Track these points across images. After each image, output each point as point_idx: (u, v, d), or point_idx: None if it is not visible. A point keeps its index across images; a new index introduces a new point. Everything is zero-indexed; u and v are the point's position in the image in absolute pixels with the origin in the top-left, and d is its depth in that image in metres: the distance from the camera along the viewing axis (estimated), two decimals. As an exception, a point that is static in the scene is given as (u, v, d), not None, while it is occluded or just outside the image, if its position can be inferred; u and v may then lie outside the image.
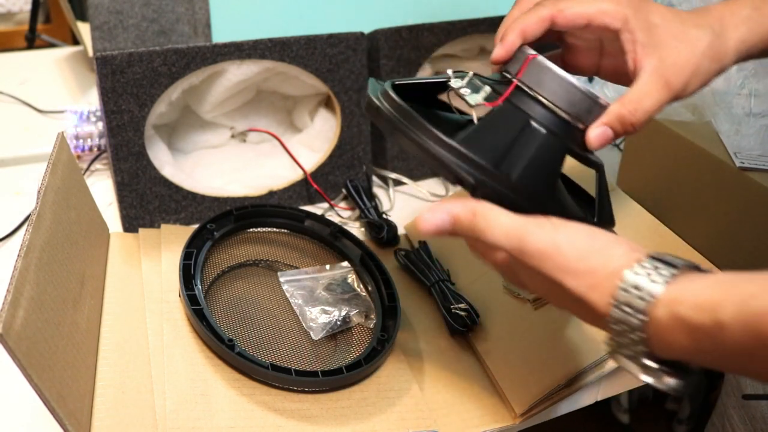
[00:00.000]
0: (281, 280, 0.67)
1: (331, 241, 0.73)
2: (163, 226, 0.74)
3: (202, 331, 0.57)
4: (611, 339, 0.41)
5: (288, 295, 0.66)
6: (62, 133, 0.61)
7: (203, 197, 0.78)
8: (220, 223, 0.69)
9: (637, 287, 0.38)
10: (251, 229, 0.72)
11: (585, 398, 0.62)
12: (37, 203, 0.52)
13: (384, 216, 0.80)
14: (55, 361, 0.47)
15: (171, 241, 0.70)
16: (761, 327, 0.33)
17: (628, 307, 0.38)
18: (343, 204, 0.84)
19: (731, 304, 0.35)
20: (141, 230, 0.73)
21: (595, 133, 0.49)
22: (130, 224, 0.74)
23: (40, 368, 0.44)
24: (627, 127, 0.49)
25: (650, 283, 0.38)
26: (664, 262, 0.39)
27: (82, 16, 1.09)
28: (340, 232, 0.73)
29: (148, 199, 0.75)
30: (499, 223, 0.43)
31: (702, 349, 0.36)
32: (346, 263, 0.71)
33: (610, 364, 0.58)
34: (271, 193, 0.82)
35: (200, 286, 0.61)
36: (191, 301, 0.59)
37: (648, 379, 0.40)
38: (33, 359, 0.43)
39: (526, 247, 0.42)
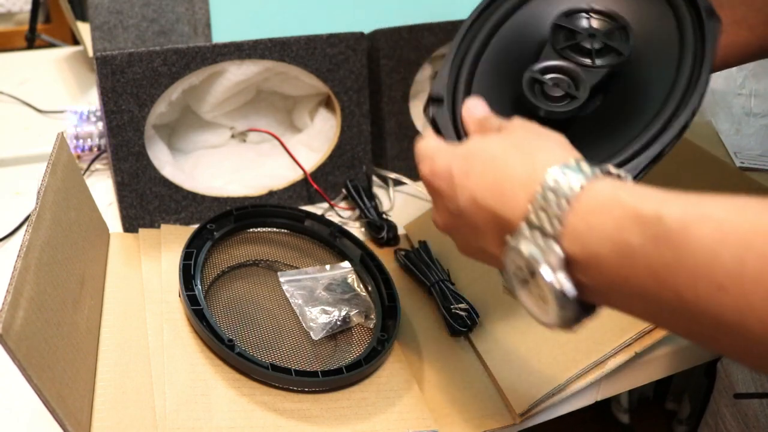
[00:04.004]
0: (281, 280, 0.67)
1: (331, 241, 0.73)
2: (163, 226, 0.74)
3: (202, 331, 0.57)
4: (512, 237, 0.37)
5: (288, 295, 0.66)
6: (62, 133, 0.61)
7: (203, 197, 0.78)
8: (220, 223, 0.69)
9: (566, 175, 0.36)
10: (251, 229, 0.72)
11: (585, 398, 0.62)
12: (37, 204, 0.52)
13: (384, 216, 0.80)
14: (55, 362, 0.47)
15: (171, 241, 0.70)
16: (701, 231, 0.30)
17: (552, 192, 0.35)
18: (343, 204, 0.84)
19: (678, 205, 0.32)
20: (141, 230, 0.73)
21: None
22: (130, 224, 0.74)
23: (40, 368, 0.44)
24: None
25: (582, 176, 0.36)
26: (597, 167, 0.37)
27: (82, 16, 1.09)
28: (340, 232, 0.73)
29: (148, 199, 0.75)
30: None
31: (627, 247, 0.32)
32: (346, 263, 0.71)
33: (610, 364, 0.58)
34: (271, 193, 0.82)
35: (200, 286, 0.61)
36: (191, 301, 0.59)
37: (546, 273, 0.35)
38: (33, 360, 0.43)
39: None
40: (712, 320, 0.31)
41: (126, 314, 0.61)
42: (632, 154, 0.46)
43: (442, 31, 0.86)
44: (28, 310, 0.44)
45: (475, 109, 0.48)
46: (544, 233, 0.35)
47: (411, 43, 0.84)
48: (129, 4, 0.94)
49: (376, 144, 0.87)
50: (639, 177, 0.46)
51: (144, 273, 0.65)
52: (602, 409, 1.50)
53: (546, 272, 0.35)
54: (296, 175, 0.83)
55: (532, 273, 0.36)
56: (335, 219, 0.81)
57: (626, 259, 0.33)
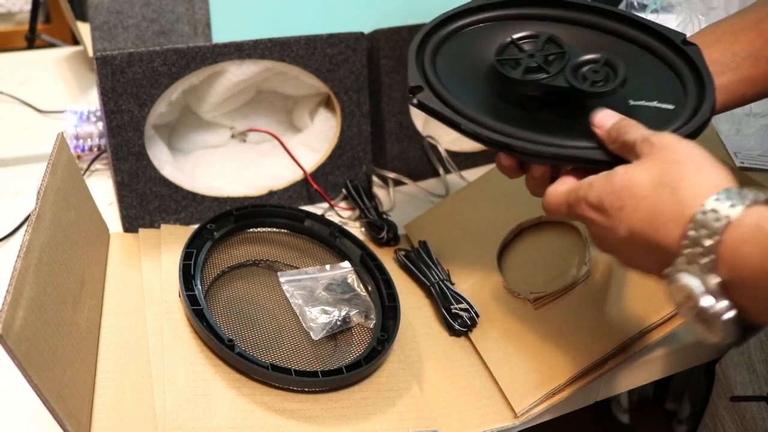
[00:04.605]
0: (281, 280, 0.67)
1: (331, 241, 0.73)
2: (163, 226, 0.74)
3: (202, 332, 0.57)
4: (677, 259, 0.41)
5: (288, 295, 0.66)
6: (62, 133, 0.61)
7: (203, 197, 0.78)
8: (220, 223, 0.69)
9: (714, 210, 0.39)
10: (251, 229, 0.72)
11: (585, 398, 0.62)
12: (37, 204, 0.52)
13: (384, 216, 0.80)
14: (55, 362, 0.47)
15: (171, 241, 0.70)
16: None
17: (703, 228, 0.39)
18: (343, 204, 0.84)
19: None
20: (141, 230, 0.73)
21: None
22: (130, 224, 0.74)
23: (40, 369, 0.44)
24: None
25: (730, 207, 0.39)
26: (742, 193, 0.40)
27: (82, 16, 1.09)
28: (340, 232, 0.73)
29: (148, 199, 0.75)
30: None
31: None
32: (346, 263, 0.71)
33: (610, 364, 0.58)
34: (271, 193, 0.82)
35: (200, 287, 0.61)
36: (191, 301, 0.59)
37: (707, 301, 0.39)
38: (33, 360, 0.43)
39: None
40: None
41: (126, 314, 0.61)
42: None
43: (442, 31, 0.86)
44: (28, 310, 0.44)
45: (607, 120, 0.50)
46: (700, 265, 0.39)
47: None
48: (129, 4, 0.94)
49: (376, 144, 0.87)
50: None
51: (144, 273, 0.65)
52: (602, 409, 1.50)
53: (706, 301, 0.39)
54: (296, 175, 0.83)
55: (695, 301, 0.39)
56: (335, 219, 0.81)
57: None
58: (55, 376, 0.46)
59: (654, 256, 0.43)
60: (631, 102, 0.53)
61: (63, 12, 1.22)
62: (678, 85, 0.53)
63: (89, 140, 0.89)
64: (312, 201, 0.84)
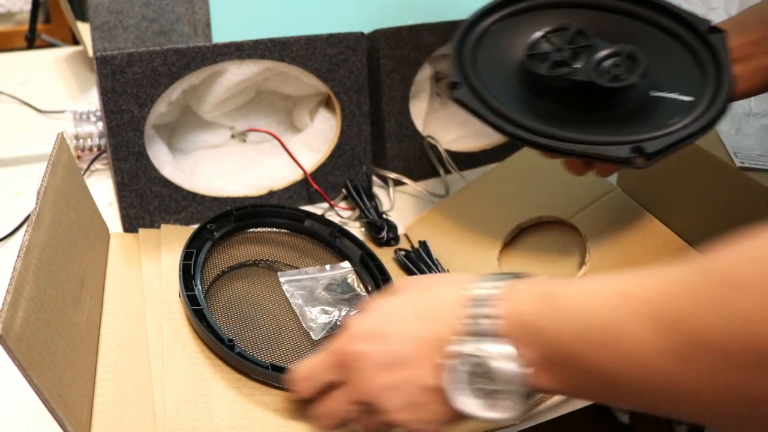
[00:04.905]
0: (281, 280, 0.67)
1: (331, 241, 0.73)
2: (163, 226, 0.74)
3: (202, 332, 0.57)
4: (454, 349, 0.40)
5: (288, 295, 0.66)
6: (62, 133, 0.61)
7: (203, 197, 0.78)
8: (220, 223, 0.69)
9: (485, 289, 0.41)
10: (251, 230, 0.72)
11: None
12: (37, 204, 0.52)
13: (384, 216, 0.80)
14: (55, 362, 0.47)
15: (171, 241, 0.70)
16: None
17: (481, 300, 0.40)
18: (343, 204, 0.84)
19: (563, 284, 0.39)
20: (141, 230, 0.73)
21: None
22: (130, 224, 0.74)
23: (40, 369, 0.44)
24: None
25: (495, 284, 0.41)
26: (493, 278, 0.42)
27: (82, 16, 1.09)
28: (340, 232, 0.73)
29: (148, 199, 0.75)
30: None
31: (536, 327, 0.38)
32: (346, 263, 0.71)
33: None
34: (271, 193, 0.82)
35: (200, 287, 0.61)
36: (191, 301, 0.59)
37: (499, 363, 0.39)
38: (32, 360, 0.43)
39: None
40: (610, 378, 0.35)
41: (126, 314, 0.61)
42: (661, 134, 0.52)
43: (442, 31, 0.86)
44: (28, 311, 0.44)
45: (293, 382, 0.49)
46: (484, 334, 0.39)
47: (411, 43, 0.84)
48: (129, 4, 0.94)
49: (376, 144, 0.87)
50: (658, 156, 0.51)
51: (144, 273, 0.65)
52: (602, 409, 1.50)
53: (499, 362, 0.38)
54: (296, 175, 0.83)
55: (483, 370, 0.39)
56: (335, 219, 0.81)
57: (536, 336, 0.38)
58: (55, 376, 0.46)
59: (432, 355, 0.41)
60: (652, 93, 0.54)
61: (63, 12, 1.22)
62: (699, 75, 0.53)
63: (89, 140, 0.89)
64: (312, 201, 0.84)
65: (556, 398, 0.58)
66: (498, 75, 0.58)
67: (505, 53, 0.59)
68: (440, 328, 0.41)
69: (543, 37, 0.57)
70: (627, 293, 0.35)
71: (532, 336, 0.38)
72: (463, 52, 0.58)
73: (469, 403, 0.40)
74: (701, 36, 0.54)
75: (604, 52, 0.54)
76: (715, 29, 0.54)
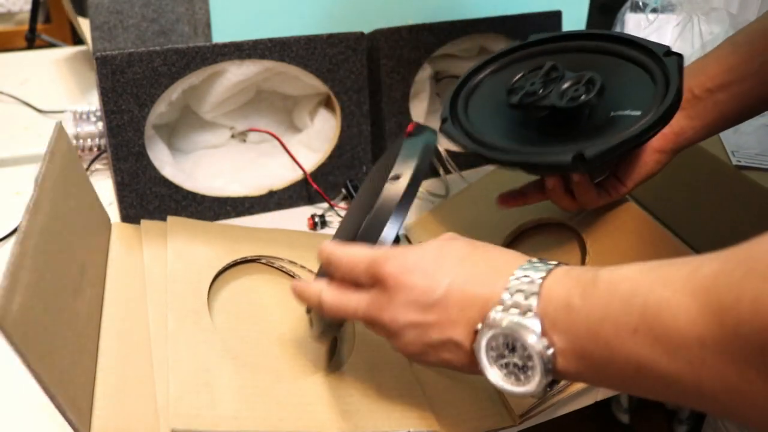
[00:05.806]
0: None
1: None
2: (169, 218, 0.72)
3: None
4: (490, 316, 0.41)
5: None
6: (60, 122, 0.60)
7: (203, 197, 0.78)
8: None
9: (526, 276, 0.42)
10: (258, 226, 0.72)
11: (585, 398, 0.62)
12: (35, 190, 0.51)
13: (384, 216, 0.80)
14: (55, 348, 0.46)
15: (177, 231, 0.70)
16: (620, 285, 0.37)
17: (526, 278, 0.41)
18: (343, 204, 0.84)
19: (606, 271, 0.39)
20: (143, 222, 0.72)
21: None
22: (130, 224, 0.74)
23: (39, 354, 0.43)
24: None
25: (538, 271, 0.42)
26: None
27: (83, 12, 1.09)
28: (340, 232, 0.73)
29: (148, 199, 0.75)
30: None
31: (570, 306, 0.38)
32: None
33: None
34: (271, 193, 0.82)
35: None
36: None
37: (532, 339, 0.39)
38: (31, 345, 0.43)
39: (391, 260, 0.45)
40: (635, 365, 0.35)
41: (128, 303, 0.60)
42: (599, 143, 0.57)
43: (442, 31, 0.86)
44: (26, 296, 0.44)
45: (323, 251, 0.50)
46: (521, 308, 0.40)
47: (411, 43, 0.84)
48: (129, 4, 0.94)
49: (376, 144, 0.87)
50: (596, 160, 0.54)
51: (146, 262, 0.65)
52: (602, 409, 1.50)
53: (531, 338, 0.39)
54: (296, 175, 0.83)
55: (513, 346, 0.40)
56: (335, 219, 0.81)
57: (571, 315, 0.38)
58: (55, 362, 0.45)
59: (471, 314, 0.42)
60: (613, 113, 0.59)
61: (63, 12, 1.22)
62: (653, 93, 0.58)
63: (89, 140, 0.89)
64: (312, 201, 0.84)
65: (557, 398, 0.58)
66: (488, 112, 0.66)
67: (495, 96, 0.67)
68: (487, 291, 0.42)
69: (522, 76, 0.64)
70: (672, 275, 0.35)
71: (567, 317, 0.39)
72: (458, 97, 0.68)
73: (494, 373, 0.42)
74: (658, 59, 0.60)
75: (569, 81, 0.60)
76: (671, 53, 0.59)
